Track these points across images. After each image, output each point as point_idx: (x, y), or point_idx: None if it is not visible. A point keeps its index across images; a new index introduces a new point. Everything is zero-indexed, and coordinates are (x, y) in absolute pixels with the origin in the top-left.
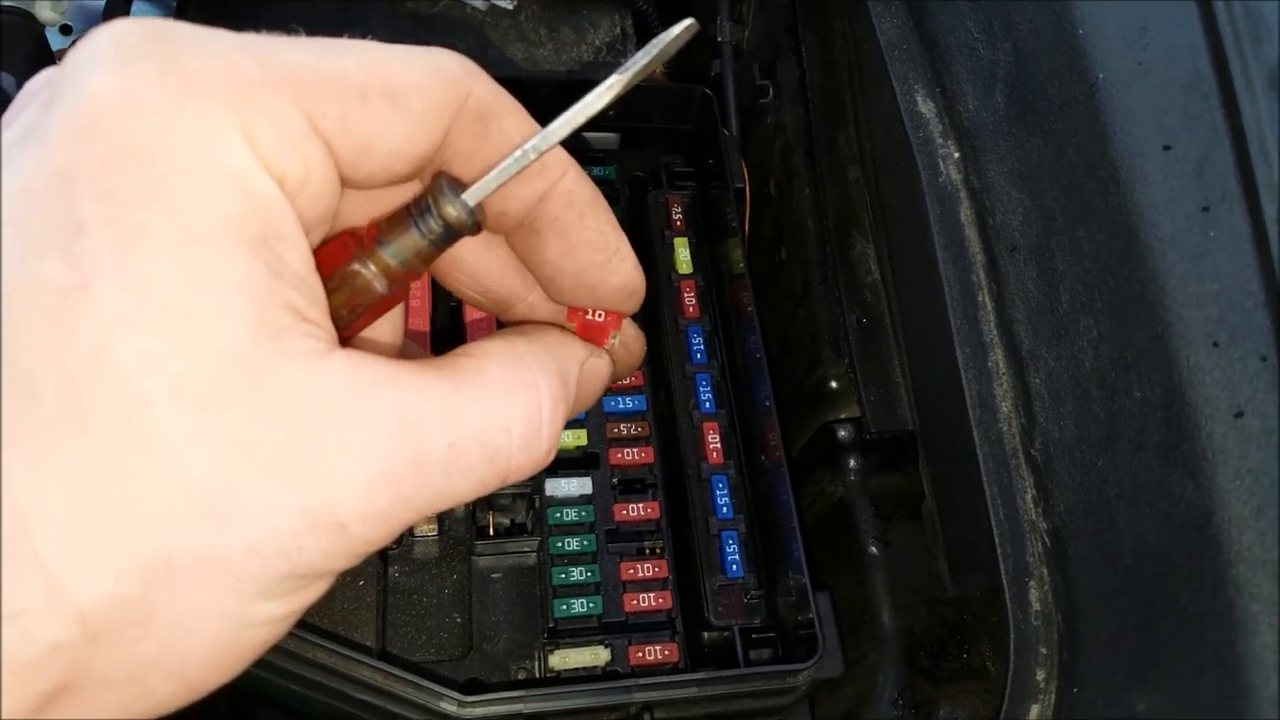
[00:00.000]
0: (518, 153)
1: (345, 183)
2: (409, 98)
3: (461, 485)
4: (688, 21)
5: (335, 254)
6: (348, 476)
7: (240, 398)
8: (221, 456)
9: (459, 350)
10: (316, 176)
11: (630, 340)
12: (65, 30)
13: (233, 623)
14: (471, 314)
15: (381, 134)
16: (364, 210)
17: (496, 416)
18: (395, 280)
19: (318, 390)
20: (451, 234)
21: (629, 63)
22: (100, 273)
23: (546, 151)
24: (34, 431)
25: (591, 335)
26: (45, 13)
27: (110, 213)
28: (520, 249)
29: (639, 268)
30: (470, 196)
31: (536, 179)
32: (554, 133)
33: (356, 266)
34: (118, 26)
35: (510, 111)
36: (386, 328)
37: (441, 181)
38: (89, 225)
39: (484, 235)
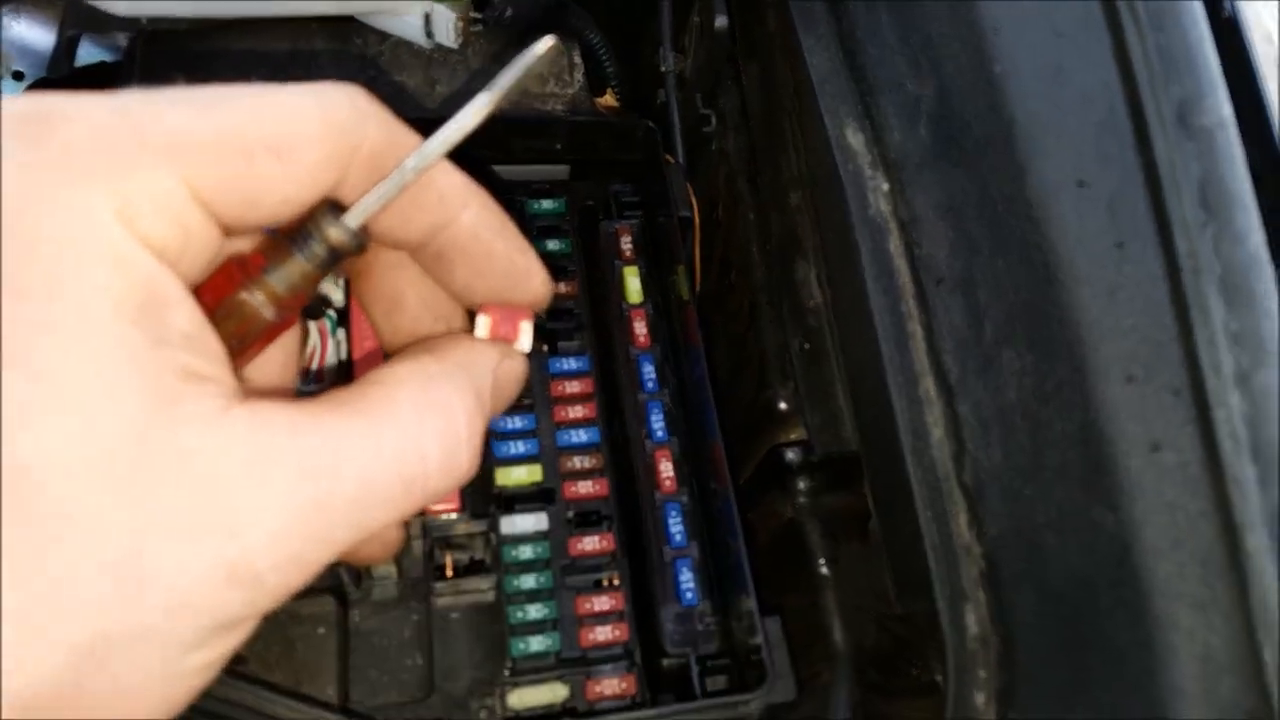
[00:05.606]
0: (396, 174)
1: (230, 232)
2: (298, 153)
3: (376, 517)
4: (550, 39)
5: (221, 284)
6: (257, 529)
7: (141, 469)
8: (133, 529)
9: (369, 377)
10: (197, 240)
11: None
12: (17, 76)
13: (162, 679)
14: None
15: (269, 189)
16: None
17: (410, 444)
18: (283, 306)
19: (220, 449)
20: (335, 256)
21: (495, 80)
22: None
23: (426, 169)
24: None
25: (505, 327)
26: None
27: None
28: (430, 270)
29: (548, 280)
30: (352, 219)
31: (434, 209)
32: (431, 152)
33: (244, 296)
34: None
35: (406, 150)
36: (279, 360)
37: (324, 206)
38: None
39: (394, 255)
